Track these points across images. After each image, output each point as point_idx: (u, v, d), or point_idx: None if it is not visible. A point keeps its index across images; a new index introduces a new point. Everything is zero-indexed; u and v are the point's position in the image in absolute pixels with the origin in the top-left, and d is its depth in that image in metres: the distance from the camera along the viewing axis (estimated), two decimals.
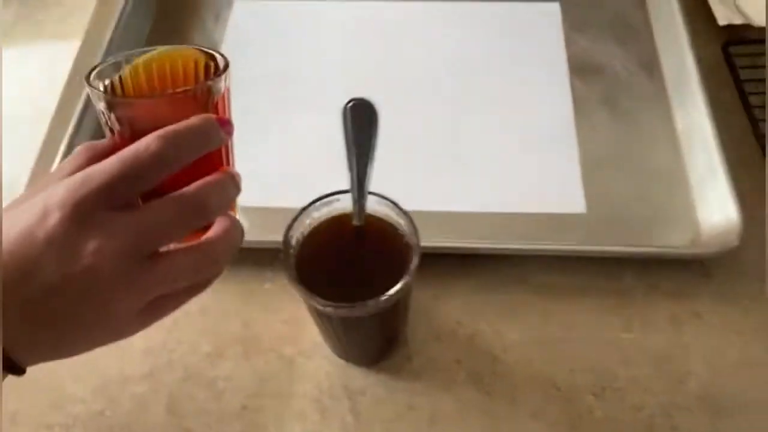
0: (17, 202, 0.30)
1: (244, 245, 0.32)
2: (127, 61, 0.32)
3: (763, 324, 0.42)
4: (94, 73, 0.31)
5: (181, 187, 0.30)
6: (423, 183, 0.49)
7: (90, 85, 0.31)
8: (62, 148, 0.50)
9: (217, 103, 0.32)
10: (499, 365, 0.41)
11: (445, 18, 0.60)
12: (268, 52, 0.58)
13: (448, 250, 0.44)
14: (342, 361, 0.42)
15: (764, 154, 0.48)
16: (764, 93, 0.51)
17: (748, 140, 0.50)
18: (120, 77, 0.32)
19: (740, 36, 0.55)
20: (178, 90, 0.32)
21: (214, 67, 0.32)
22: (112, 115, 0.31)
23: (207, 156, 0.31)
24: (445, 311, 0.43)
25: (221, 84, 0.32)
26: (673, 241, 0.45)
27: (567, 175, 0.49)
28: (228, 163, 0.34)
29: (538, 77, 0.55)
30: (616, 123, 0.52)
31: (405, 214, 0.36)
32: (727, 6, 0.56)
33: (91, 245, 0.28)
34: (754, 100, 0.51)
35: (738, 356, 0.41)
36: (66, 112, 0.52)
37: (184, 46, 0.33)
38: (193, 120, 0.31)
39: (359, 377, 0.41)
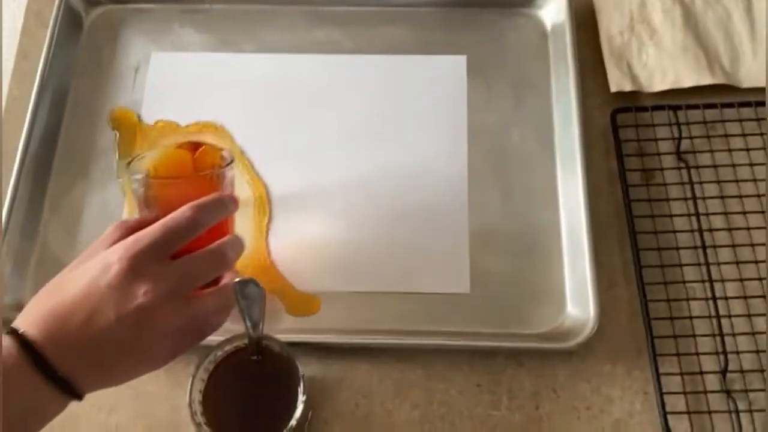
0: (77, 264, 0.42)
1: None
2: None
3: (608, 400, 0.51)
4: (131, 163, 0.46)
5: (204, 244, 0.42)
6: (312, 260, 0.55)
7: (130, 171, 0.45)
8: None
9: (226, 185, 0.46)
10: None
11: (354, 71, 0.62)
12: (185, 104, 0.60)
13: (346, 345, 0.51)
14: None
15: (631, 233, 0.54)
16: (642, 169, 0.56)
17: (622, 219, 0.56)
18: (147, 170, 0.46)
19: (633, 102, 0.59)
20: (203, 173, 0.46)
21: (221, 158, 0.47)
22: (147, 195, 0.44)
23: (220, 222, 0.44)
24: (346, 394, 0.51)
25: (231, 171, 0.47)
26: (546, 318, 0.53)
27: (455, 255, 0.55)
28: (233, 227, 0.48)
29: (437, 144, 0.58)
30: (505, 199, 0.56)
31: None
32: (621, 71, 0.59)
33: (142, 289, 0.39)
34: (630, 177, 0.56)
35: (582, 430, 0.50)
36: None
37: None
38: (215, 195, 0.44)
39: None
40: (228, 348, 0.44)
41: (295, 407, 0.42)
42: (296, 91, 0.61)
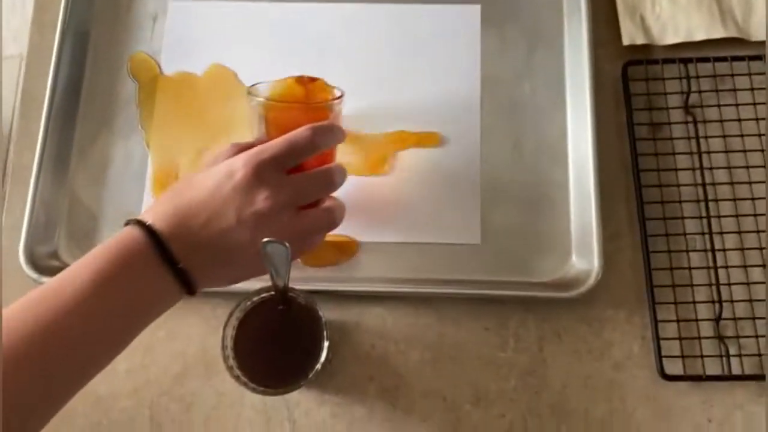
0: (200, 171, 0.46)
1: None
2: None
3: (608, 344, 0.54)
4: (251, 88, 0.50)
5: (314, 167, 0.48)
6: None
7: (251, 94, 0.50)
8: None
9: (335, 116, 0.51)
10: (401, 380, 0.54)
11: (369, 20, 0.62)
12: (205, 53, 0.62)
13: (363, 293, 0.54)
14: None
15: (636, 187, 0.56)
16: (650, 123, 0.58)
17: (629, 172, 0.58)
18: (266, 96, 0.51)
19: (644, 55, 0.60)
20: (318, 102, 0.51)
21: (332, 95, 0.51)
22: (266, 117, 0.49)
23: (325, 152, 0.49)
24: (363, 336, 0.55)
25: (340, 106, 0.51)
26: (552, 267, 0.55)
27: (467, 207, 0.57)
28: (335, 159, 0.52)
29: (450, 95, 0.60)
30: (516, 151, 0.58)
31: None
32: (634, 23, 0.60)
33: (263, 195, 0.43)
34: (638, 131, 0.58)
35: (584, 371, 0.54)
36: None
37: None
38: (329, 122, 0.49)
39: (295, 393, 0.53)
40: (256, 299, 0.47)
41: (320, 352, 0.46)
42: (311, 39, 0.62)
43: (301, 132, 0.46)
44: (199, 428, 0.53)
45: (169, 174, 0.58)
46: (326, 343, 0.46)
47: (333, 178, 0.48)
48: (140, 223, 0.42)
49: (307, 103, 0.51)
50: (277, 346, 0.47)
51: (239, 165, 0.44)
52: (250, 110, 0.51)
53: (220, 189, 0.43)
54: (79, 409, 0.54)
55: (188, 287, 0.42)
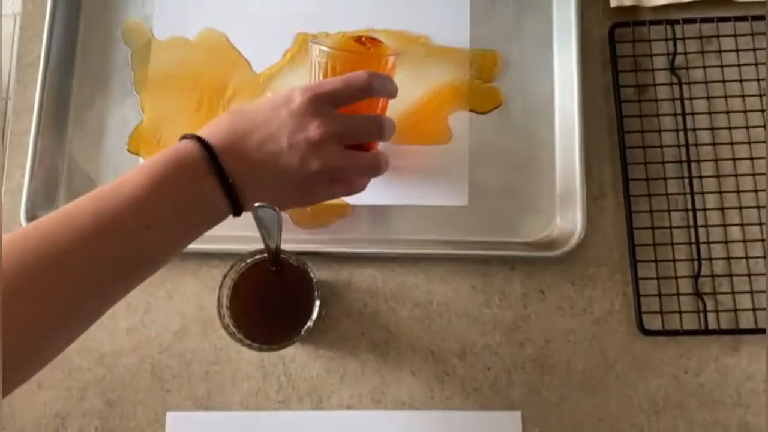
0: (259, 100, 0.48)
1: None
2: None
3: (590, 300, 0.56)
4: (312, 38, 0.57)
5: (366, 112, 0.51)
6: None
7: (314, 43, 0.52)
8: None
9: (391, 72, 0.53)
10: (391, 336, 0.56)
11: None
12: (197, 18, 0.62)
13: (354, 254, 0.56)
14: None
15: (621, 148, 0.58)
16: (636, 85, 0.59)
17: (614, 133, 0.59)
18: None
19: (631, 16, 0.60)
20: (378, 54, 0.53)
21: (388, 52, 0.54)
22: (329, 65, 0.51)
23: (379, 100, 0.52)
24: (355, 295, 0.57)
25: (395, 60, 0.53)
26: (537, 228, 0.57)
27: (455, 169, 0.58)
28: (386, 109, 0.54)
29: (440, 59, 0.61)
30: (503, 113, 0.59)
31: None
32: None
33: (316, 123, 0.45)
34: (624, 93, 0.58)
35: (567, 326, 0.56)
36: None
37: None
38: (385, 74, 0.51)
39: (290, 348, 0.56)
40: (250, 261, 0.49)
41: (311, 310, 0.48)
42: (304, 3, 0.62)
43: (358, 74, 0.48)
44: (199, 383, 0.56)
45: (151, 137, 0.60)
46: (317, 302, 0.48)
47: (383, 125, 0.50)
48: (195, 137, 0.44)
49: (366, 53, 0.54)
50: (271, 305, 0.49)
51: (297, 93, 0.46)
52: (310, 60, 0.53)
53: (276, 113, 0.46)
54: (84, 365, 0.56)
55: (235, 205, 0.44)
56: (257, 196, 0.44)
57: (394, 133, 0.51)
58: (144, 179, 0.41)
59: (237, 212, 0.45)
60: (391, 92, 0.52)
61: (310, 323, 0.48)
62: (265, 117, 0.46)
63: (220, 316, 0.48)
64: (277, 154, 0.45)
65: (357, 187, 0.51)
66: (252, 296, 0.49)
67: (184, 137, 0.44)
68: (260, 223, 0.45)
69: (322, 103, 0.46)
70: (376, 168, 0.51)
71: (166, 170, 0.42)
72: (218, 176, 0.43)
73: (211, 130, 0.45)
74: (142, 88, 0.61)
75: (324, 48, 0.51)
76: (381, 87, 0.50)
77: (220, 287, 0.48)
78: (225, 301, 0.48)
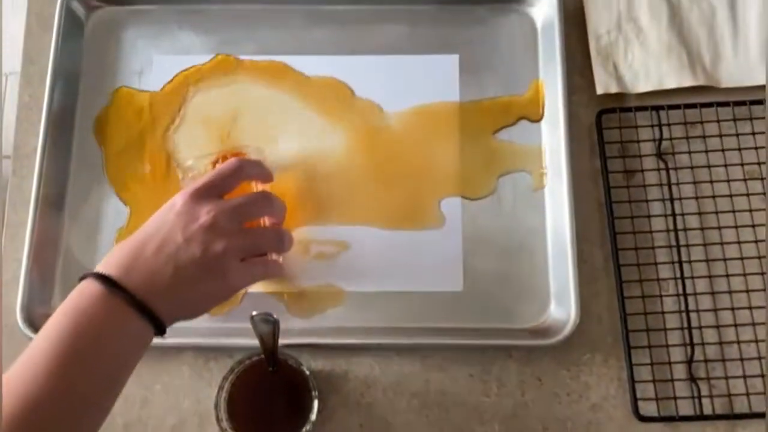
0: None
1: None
2: None
3: (586, 386, 0.57)
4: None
5: None
6: (310, 261, 0.59)
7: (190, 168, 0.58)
8: None
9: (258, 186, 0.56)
10: (390, 427, 0.56)
11: (350, 70, 0.64)
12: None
13: (350, 345, 0.57)
14: None
15: (611, 233, 0.59)
16: (624, 171, 0.60)
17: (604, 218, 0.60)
18: None
19: (618, 102, 0.62)
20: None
21: None
22: None
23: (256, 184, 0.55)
24: (352, 385, 0.57)
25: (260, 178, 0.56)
26: (532, 314, 0.58)
27: (450, 255, 0.59)
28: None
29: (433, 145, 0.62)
30: (495, 199, 0.60)
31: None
32: (608, 71, 0.62)
33: (205, 209, 0.47)
34: (613, 179, 0.60)
35: (564, 413, 0.56)
36: None
37: None
38: (255, 160, 0.55)
39: None
40: (248, 362, 0.49)
41: (309, 411, 0.48)
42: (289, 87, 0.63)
43: (227, 162, 0.51)
44: None
45: None
46: (316, 402, 0.48)
47: (271, 198, 0.53)
48: (92, 274, 0.44)
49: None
50: (269, 407, 0.49)
51: (178, 197, 0.48)
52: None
53: (164, 220, 0.47)
54: None
55: (156, 323, 0.44)
56: (173, 302, 0.45)
57: (284, 208, 0.54)
58: (57, 341, 0.41)
59: (160, 328, 0.44)
60: (263, 175, 0.54)
61: (308, 426, 0.48)
62: (154, 227, 0.47)
63: (218, 420, 0.48)
64: (176, 252, 0.45)
65: (274, 267, 0.54)
66: (250, 398, 0.49)
67: (82, 278, 0.44)
68: (256, 329, 0.45)
69: (203, 195, 0.48)
70: (281, 239, 0.53)
71: (76, 322, 0.42)
72: (125, 300, 0.43)
73: (106, 260, 0.45)
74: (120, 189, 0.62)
75: (194, 173, 0.56)
76: (251, 170, 0.53)
77: (218, 390, 0.48)
78: (223, 405, 0.48)
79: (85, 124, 0.63)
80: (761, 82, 0.60)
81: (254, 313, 0.44)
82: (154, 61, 0.64)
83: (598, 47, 0.62)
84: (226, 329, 0.56)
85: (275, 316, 0.46)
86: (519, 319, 0.58)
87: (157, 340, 0.45)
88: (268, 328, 0.44)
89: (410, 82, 0.63)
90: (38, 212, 0.59)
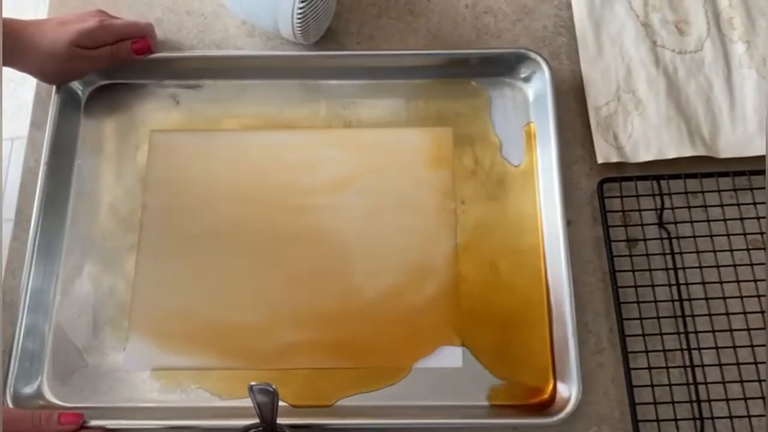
0: None
1: None
2: None
3: None
4: None
5: None
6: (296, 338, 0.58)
7: None
8: None
9: None
10: None
11: (342, 144, 0.64)
12: (185, 185, 0.63)
13: (352, 427, 0.55)
14: None
15: (615, 304, 0.58)
16: (626, 240, 0.60)
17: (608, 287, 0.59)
18: None
19: (619, 171, 0.62)
20: None
21: None
22: None
23: None
24: None
25: None
26: (534, 390, 0.56)
27: (449, 331, 0.58)
28: None
29: (426, 221, 0.61)
30: (493, 272, 0.60)
31: None
32: (608, 142, 0.62)
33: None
34: (615, 248, 0.60)
35: None
36: None
37: None
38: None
39: None
40: None
41: None
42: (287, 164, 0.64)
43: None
44: None
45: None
46: None
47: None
48: None
49: None
50: None
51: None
52: None
53: None
54: None
55: None
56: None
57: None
58: None
59: None
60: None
61: None
62: None
63: None
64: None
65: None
66: None
67: None
68: (256, 401, 0.44)
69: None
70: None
71: None
72: None
73: None
74: None
75: None
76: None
77: None
78: None
79: (80, 201, 0.63)
80: (760, 152, 0.61)
81: (253, 383, 0.42)
82: (151, 137, 0.65)
83: (598, 118, 0.63)
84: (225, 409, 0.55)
85: (274, 387, 0.44)
86: (521, 395, 0.56)
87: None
88: (267, 398, 0.42)
89: (404, 156, 0.64)
90: (29, 287, 0.59)
